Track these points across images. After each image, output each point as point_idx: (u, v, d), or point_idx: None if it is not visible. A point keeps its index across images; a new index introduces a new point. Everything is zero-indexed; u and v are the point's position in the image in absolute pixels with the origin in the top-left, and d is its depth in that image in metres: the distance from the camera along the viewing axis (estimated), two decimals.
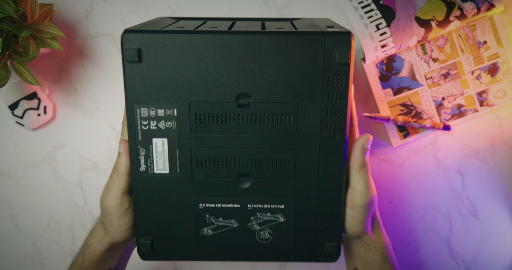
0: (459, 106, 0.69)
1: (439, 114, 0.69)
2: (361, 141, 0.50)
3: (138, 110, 0.48)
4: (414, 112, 0.69)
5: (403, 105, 0.69)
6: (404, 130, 0.69)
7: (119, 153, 0.51)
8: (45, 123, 0.69)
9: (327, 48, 0.46)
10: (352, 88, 0.50)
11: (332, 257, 0.52)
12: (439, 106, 0.69)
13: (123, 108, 0.69)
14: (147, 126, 0.48)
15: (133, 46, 0.46)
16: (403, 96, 0.69)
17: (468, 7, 0.64)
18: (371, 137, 0.50)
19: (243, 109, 0.48)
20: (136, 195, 0.50)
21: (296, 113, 0.48)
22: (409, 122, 0.68)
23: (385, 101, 0.69)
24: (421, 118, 0.69)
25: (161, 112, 0.48)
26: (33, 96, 0.67)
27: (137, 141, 0.49)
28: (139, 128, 0.49)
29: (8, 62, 0.60)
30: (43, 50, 0.65)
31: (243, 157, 0.49)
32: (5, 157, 0.70)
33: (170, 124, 0.48)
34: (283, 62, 0.46)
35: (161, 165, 0.50)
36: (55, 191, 0.71)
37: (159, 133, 0.49)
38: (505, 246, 0.71)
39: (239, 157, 0.49)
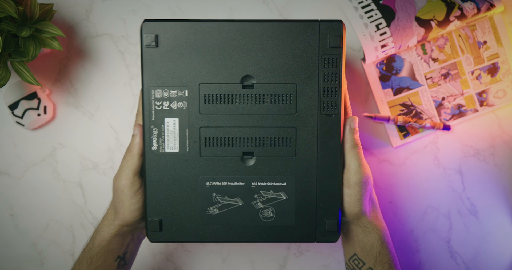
0: (459, 106, 0.69)
1: (439, 114, 0.69)
2: (348, 122, 0.54)
3: (152, 91, 0.53)
4: (414, 112, 0.69)
5: (403, 105, 0.69)
6: (404, 130, 0.69)
7: (133, 135, 0.54)
8: (45, 123, 0.69)
9: (321, 34, 0.52)
10: (345, 83, 0.55)
11: (332, 236, 0.54)
12: (439, 106, 0.69)
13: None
14: (160, 107, 0.53)
15: (151, 32, 0.52)
16: (403, 96, 0.69)
17: (468, 7, 0.64)
18: (356, 118, 0.54)
19: (248, 90, 0.53)
20: (147, 174, 0.54)
21: (296, 93, 0.53)
22: (409, 122, 0.68)
23: (385, 101, 0.69)
24: (421, 118, 0.69)
25: (173, 93, 0.53)
26: (33, 96, 0.67)
27: (150, 121, 0.53)
28: (153, 108, 0.53)
29: (8, 62, 0.60)
30: (43, 50, 0.65)
31: (248, 135, 0.53)
32: (5, 157, 0.70)
33: (181, 105, 0.53)
34: (283, 47, 0.52)
35: (171, 144, 0.53)
36: (55, 191, 0.71)
37: (171, 113, 0.53)
38: (505, 246, 0.71)
39: (243, 135, 0.53)
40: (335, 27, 0.52)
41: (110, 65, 0.69)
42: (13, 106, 0.67)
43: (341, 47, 0.52)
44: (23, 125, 0.68)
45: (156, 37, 0.52)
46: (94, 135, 0.70)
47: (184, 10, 0.68)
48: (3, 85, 0.59)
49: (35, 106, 0.67)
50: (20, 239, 0.71)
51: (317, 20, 0.52)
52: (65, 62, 0.69)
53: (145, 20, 0.52)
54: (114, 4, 0.68)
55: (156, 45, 0.52)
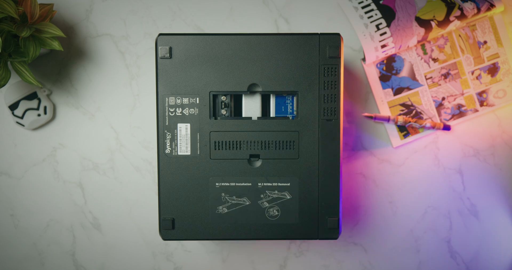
0: (459, 106, 0.69)
1: (439, 114, 0.69)
2: None
3: (166, 99, 0.57)
4: (414, 112, 0.69)
5: (403, 105, 0.69)
6: (404, 130, 0.69)
7: None
8: (45, 123, 0.69)
9: (321, 46, 0.57)
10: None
11: (334, 233, 0.58)
12: (439, 106, 0.69)
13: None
14: (174, 113, 0.58)
15: (166, 45, 0.56)
16: (403, 96, 0.69)
17: (468, 7, 0.64)
18: None
19: None
20: (161, 175, 0.57)
21: (298, 100, 0.57)
22: (409, 122, 0.68)
23: (385, 101, 0.69)
24: (421, 118, 0.69)
25: (185, 100, 0.57)
26: (33, 96, 0.67)
27: (164, 126, 0.57)
28: (167, 114, 0.57)
29: (9, 62, 0.60)
30: (43, 50, 0.65)
31: (254, 139, 0.57)
32: (6, 157, 0.70)
33: (193, 111, 0.57)
34: (286, 57, 0.57)
35: (184, 147, 0.57)
36: (55, 191, 0.71)
37: (183, 119, 0.57)
38: (505, 246, 0.71)
39: (250, 139, 0.58)
40: (334, 39, 0.57)
41: (110, 65, 0.69)
42: (13, 106, 0.67)
43: (339, 57, 0.57)
44: (23, 125, 0.68)
45: (170, 49, 0.57)
46: (94, 135, 0.70)
47: (184, 10, 0.68)
48: (3, 85, 0.59)
49: (35, 106, 0.67)
50: (21, 239, 0.71)
51: (317, 33, 0.57)
52: (65, 62, 0.69)
53: (160, 34, 0.57)
54: (114, 4, 0.68)
55: (170, 57, 0.57)
